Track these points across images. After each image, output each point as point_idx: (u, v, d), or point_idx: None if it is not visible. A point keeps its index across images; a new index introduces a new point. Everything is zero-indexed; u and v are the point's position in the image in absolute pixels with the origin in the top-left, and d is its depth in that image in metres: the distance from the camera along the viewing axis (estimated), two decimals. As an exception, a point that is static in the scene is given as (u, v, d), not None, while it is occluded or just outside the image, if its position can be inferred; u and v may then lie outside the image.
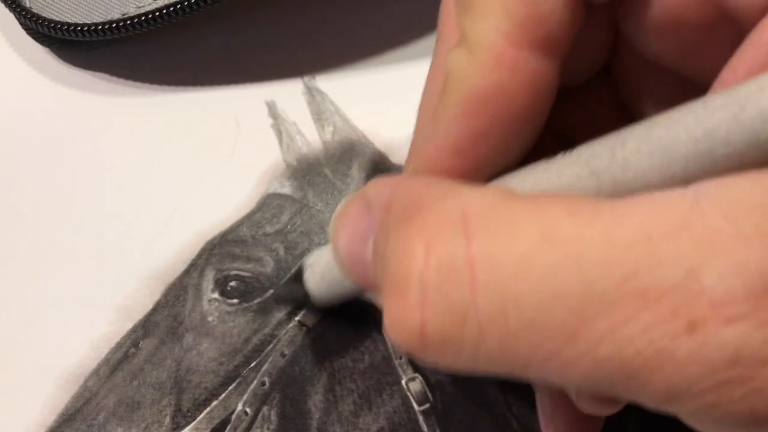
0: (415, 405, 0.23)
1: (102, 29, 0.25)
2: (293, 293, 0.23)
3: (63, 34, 0.26)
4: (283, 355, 0.23)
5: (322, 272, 0.21)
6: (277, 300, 0.24)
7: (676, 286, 0.10)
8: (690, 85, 0.15)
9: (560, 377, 0.11)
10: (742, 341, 0.10)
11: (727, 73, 0.13)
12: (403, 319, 0.12)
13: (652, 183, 0.12)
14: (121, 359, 0.23)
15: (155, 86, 0.27)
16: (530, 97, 0.14)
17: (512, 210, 0.12)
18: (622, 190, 0.12)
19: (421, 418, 0.23)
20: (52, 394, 0.22)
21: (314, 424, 0.23)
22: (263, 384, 0.23)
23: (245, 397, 0.23)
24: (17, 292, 0.24)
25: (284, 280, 0.23)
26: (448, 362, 0.12)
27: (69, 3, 0.26)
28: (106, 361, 0.23)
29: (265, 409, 0.23)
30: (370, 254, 0.14)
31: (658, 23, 0.14)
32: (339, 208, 0.15)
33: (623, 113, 0.17)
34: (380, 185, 0.14)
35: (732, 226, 0.10)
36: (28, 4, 0.26)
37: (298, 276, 0.22)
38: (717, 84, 0.13)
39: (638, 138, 0.12)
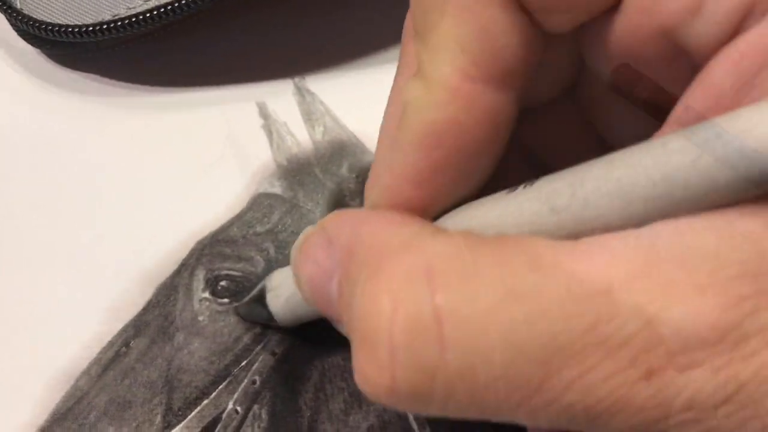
0: (405, 403, 0.23)
1: (93, 30, 0.25)
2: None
3: (53, 35, 0.26)
4: (273, 353, 0.24)
5: (286, 296, 0.21)
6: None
7: (635, 336, 0.11)
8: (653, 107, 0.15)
9: (529, 421, 0.12)
10: (697, 387, 0.10)
11: (680, 110, 0.13)
12: (373, 375, 0.12)
13: (612, 222, 0.12)
14: (113, 359, 0.23)
15: (146, 88, 0.28)
16: (487, 130, 0.14)
17: (476, 263, 0.12)
18: (582, 229, 0.12)
19: (410, 415, 0.23)
20: (43, 394, 0.22)
21: (305, 422, 0.23)
22: (254, 383, 0.23)
23: (236, 395, 0.23)
24: (7, 293, 0.24)
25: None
26: (418, 411, 0.13)
27: (59, 4, 0.26)
28: (98, 360, 0.23)
29: (255, 407, 0.23)
30: (335, 293, 0.14)
31: (615, 55, 0.14)
32: (300, 238, 0.16)
33: (589, 129, 0.17)
34: (341, 221, 0.15)
35: (687, 275, 0.11)
36: (18, 5, 0.26)
37: (260, 298, 0.22)
38: (672, 119, 0.13)
39: (598, 178, 0.12)
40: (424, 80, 0.14)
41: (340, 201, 0.26)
